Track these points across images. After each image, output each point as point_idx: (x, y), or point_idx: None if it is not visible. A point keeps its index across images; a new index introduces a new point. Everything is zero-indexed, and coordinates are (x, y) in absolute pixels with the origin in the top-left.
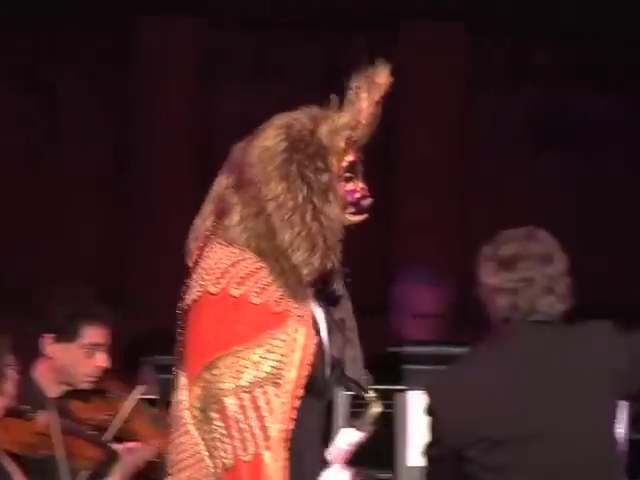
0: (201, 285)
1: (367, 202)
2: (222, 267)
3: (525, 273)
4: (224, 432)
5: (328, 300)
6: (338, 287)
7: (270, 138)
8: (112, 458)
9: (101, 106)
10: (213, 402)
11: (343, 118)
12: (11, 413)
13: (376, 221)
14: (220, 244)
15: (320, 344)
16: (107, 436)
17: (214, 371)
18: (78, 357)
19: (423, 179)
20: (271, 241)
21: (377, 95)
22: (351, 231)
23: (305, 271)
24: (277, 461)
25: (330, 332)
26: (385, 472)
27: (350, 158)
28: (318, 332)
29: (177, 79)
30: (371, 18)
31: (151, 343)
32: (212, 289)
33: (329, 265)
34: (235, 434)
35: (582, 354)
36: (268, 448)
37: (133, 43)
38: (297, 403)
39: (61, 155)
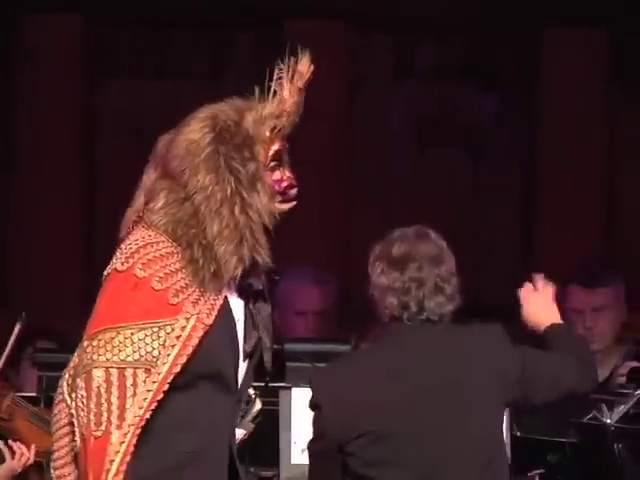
0: (113, 263)
1: (294, 190)
2: (134, 247)
3: (415, 273)
4: (84, 402)
5: (246, 293)
6: (256, 281)
7: (195, 130)
8: None
9: None
10: (83, 371)
11: (267, 108)
12: None
13: None
14: (142, 227)
15: (233, 337)
16: None
17: (94, 342)
18: None
19: (307, 179)
20: (190, 228)
21: (299, 84)
22: None
23: (233, 263)
24: (122, 443)
25: (246, 326)
26: (269, 470)
27: (276, 147)
28: (233, 324)
29: (59, 78)
30: (253, 16)
31: (28, 341)
32: (119, 267)
33: (258, 258)
34: (93, 407)
35: (469, 355)
36: (119, 428)
37: (15, 41)
38: (161, 396)
39: None
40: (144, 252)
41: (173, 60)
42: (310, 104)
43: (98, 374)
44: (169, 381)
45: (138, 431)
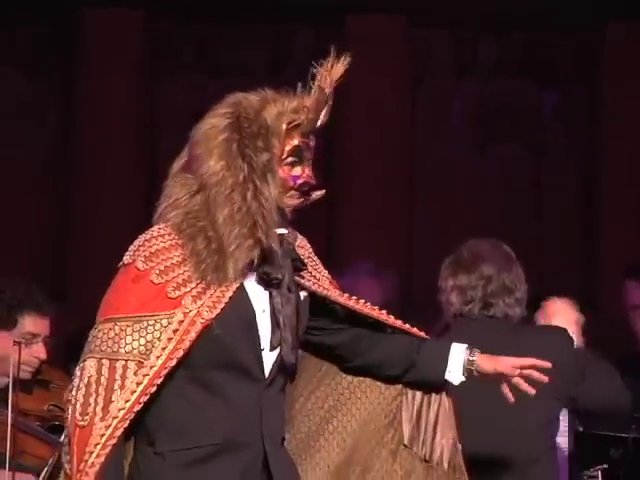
0: (124, 257)
1: (309, 188)
2: (141, 241)
3: (484, 272)
4: (76, 392)
5: (267, 283)
6: (274, 270)
7: (218, 115)
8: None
9: (44, 103)
10: (81, 360)
11: (291, 102)
12: None
13: (321, 217)
14: (160, 222)
15: (250, 327)
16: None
17: (94, 332)
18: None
19: (368, 175)
20: (198, 221)
21: (326, 84)
22: (297, 224)
23: (246, 245)
24: (102, 436)
25: (274, 315)
26: None
27: (295, 142)
28: (250, 314)
29: (120, 74)
30: (316, 12)
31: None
32: (126, 260)
33: (266, 244)
34: (81, 397)
35: (527, 350)
36: (102, 420)
37: (76, 37)
38: (153, 389)
39: (2, 152)
40: (148, 245)
41: (233, 56)
42: (371, 100)
43: (91, 364)
44: (163, 374)
45: (123, 424)
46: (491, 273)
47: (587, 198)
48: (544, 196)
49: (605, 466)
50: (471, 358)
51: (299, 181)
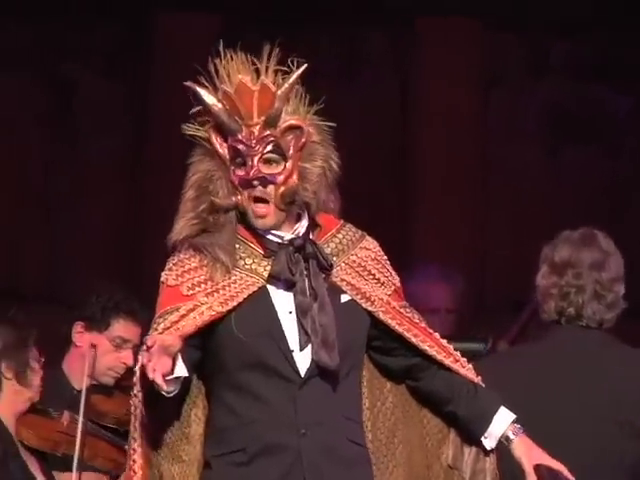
0: None
1: (260, 182)
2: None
3: (573, 280)
4: None
5: (285, 285)
6: (282, 272)
7: None
8: None
9: (120, 104)
10: None
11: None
12: (36, 410)
13: (394, 219)
14: None
15: (273, 327)
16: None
17: None
18: (104, 348)
19: (442, 177)
20: None
21: (229, 84)
22: (369, 228)
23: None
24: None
25: (302, 314)
26: None
27: (231, 142)
28: (272, 315)
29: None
30: (387, 14)
31: None
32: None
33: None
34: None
35: (612, 383)
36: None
37: (151, 39)
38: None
39: (78, 153)
40: (172, 259)
41: (308, 58)
42: (445, 103)
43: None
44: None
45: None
46: (581, 281)
47: None
48: (620, 199)
49: None
50: (511, 437)
51: (237, 180)
